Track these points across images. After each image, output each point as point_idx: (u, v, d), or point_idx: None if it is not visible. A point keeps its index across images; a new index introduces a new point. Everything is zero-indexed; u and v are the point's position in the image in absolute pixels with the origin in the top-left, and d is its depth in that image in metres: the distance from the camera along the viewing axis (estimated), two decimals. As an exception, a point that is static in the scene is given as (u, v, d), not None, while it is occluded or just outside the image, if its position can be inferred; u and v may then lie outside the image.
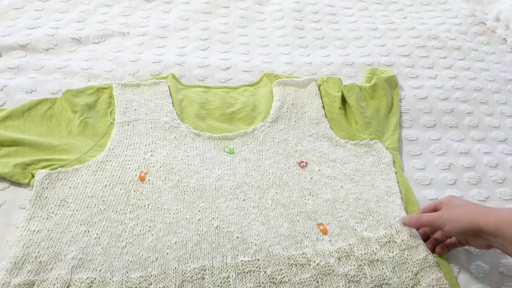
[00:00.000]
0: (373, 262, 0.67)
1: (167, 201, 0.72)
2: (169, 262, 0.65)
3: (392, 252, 0.69)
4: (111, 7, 1.18)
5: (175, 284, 0.63)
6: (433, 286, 0.65)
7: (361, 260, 0.67)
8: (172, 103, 0.88)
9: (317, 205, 0.75)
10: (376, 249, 0.68)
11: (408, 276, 0.66)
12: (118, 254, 0.66)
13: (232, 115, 0.89)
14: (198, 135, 0.83)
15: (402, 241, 0.70)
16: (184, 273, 0.64)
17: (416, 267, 0.67)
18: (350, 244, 0.69)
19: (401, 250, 0.69)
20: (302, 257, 0.67)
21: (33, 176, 0.73)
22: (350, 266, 0.67)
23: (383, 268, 0.66)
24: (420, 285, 0.66)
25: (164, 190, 0.74)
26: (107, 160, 0.76)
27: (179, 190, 0.74)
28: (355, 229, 0.72)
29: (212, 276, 0.64)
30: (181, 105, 0.89)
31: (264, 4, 1.28)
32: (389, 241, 0.70)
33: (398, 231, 0.71)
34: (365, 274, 0.66)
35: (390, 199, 0.76)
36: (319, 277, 0.65)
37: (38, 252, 0.64)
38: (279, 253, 0.67)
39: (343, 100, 0.92)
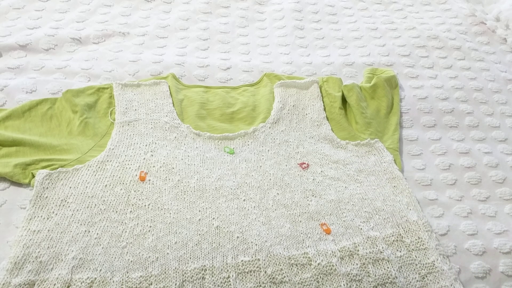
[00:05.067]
0: (377, 261, 0.67)
1: (167, 201, 0.72)
2: (169, 262, 0.65)
3: (400, 252, 0.69)
4: (111, 7, 1.18)
5: (176, 284, 0.63)
6: None
7: (365, 259, 0.67)
8: (172, 103, 0.88)
9: (320, 206, 0.75)
10: (383, 248, 0.69)
11: (415, 278, 0.66)
12: (119, 254, 0.66)
13: (233, 115, 0.89)
14: (199, 135, 0.83)
15: (411, 241, 0.70)
16: (185, 273, 0.64)
17: (424, 270, 0.67)
18: (355, 243, 0.69)
19: (409, 251, 0.69)
20: (303, 257, 0.67)
21: (33, 176, 0.73)
22: (353, 265, 0.67)
23: (388, 267, 0.67)
24: None
25: (165, 190, 0.74)
26: (108, 160, 0.76)
27: (180, 190, 0.74)
28: (361, 229, 0.72)
29: (213, 276, 0.64)
30: (181, 105, 0.89)
31: (264, 4, 1.28)
32: (397, 240, 0.70)
33: (407, 231, 0.72)
34: (368, 273, 0.66)
35: (396, 198, 0.76)
36: (320, 277, 0.65)
37: (39, 252, 0.64)
38: (280, 253, 0.67)
39: (344, 100, 0.92)
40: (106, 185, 0.73)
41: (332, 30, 1.20)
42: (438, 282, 0.67)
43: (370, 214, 0.74)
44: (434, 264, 0.68)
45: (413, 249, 0.69)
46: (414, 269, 0.67)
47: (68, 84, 0.91)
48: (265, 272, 0.65)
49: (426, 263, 0.68)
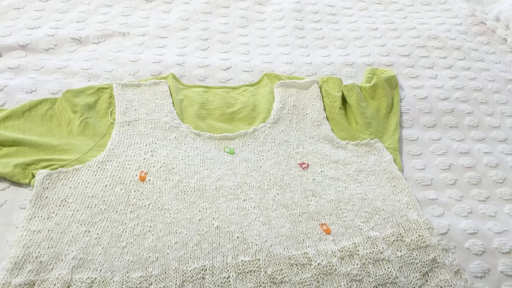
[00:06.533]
0: (378, 261, 0.67)
1: (167, 201, 0.72)
2: (169, 262, 0.65)
3: (400, 251, 0.69)
4: (111, 7, 1.18)
5: (176, 284, 0.63)
6: (441, 287, 0.66)
7: (366, 259, 0.67)
8: (173, 103, 0.88)
9: (320, 206, 0.75)
10: (383, 248, 0.69)
11: (416, 276, 0.66)
12: (119, 254, 0.66)
13: (233, 115, 0.89)
14: (199, 135, 0.83)
15: (412, 240, 0.70)
16: (185, 273, 0.64)
17: (425, 268, 0.67)
18: (355, 243, 0.69)
19: (410, 250, 0.69)
20: (303, 257, 0.67)
21: (33, 176, 0.73)
22: (353, 265, 0.67)
23: (389, 267, 0.67)
24: (428, 286, 0.66)
25: (165, 190, 0.74)
26: (108, 160, 0.76)
27: (180, 190, 0.74)
28: (361, 229, 0.72)
29: (213, 276, 0.64)
30: (182, 105, 0.90)
31: (264, 4, 1.28)
32: (397, 239, 0.70)
33: (407, 230, 0.72)
34: (368, 273, 0.66)
35: (396, 198, 0.76)
36: (320, 277, 0.65)
37: (39, 252, 0.64)
38: (280, 253, 0.67)
39: (344, 100, 0.92)
40: (106, 185, 0.73)
41: (332, 30, 1.20)
42: (437, 277, 0.67)
43: (370, 214, 0.74)
44: (435, 260, 0.68)
45: (413, 248, 0.69)
46: (415, 268, 0.67)
47: (68, 84, 0.91)
48: (265, 272, 0.65)
49: (427, 261, 0.68)
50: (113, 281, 0.62)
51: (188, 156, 0.79)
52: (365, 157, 0.83)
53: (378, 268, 0.67)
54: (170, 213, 0.71)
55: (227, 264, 0.66)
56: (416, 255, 0.69)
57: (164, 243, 0.67)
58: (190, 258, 0.66)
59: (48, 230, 0.66)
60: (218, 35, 1.14)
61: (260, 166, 0.79)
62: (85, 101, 0.84)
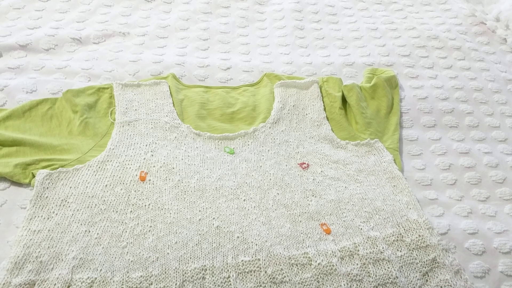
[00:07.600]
0: (378, 261, 0.67)
1: (167, 201, 0.72)
2: (169, 262, 0.65)
3: (400, 251, 0.69)
4: (111, 7, 1.18)
5: (176, 284, 0.63)
6: (441, 287, 0.66)
7: (366, 259, 0.67)
8: (173, 103, 0.88)
9: (320, 206, 0.75)
10: (383, 248, 0.69)
11: (416, 276, 0.66)
12: (119, 254, 0.66)
13: (233, 115, 0.89)
14: (199, 135, 0.83)
15: (412, 240, 0.70)
16: (185, 273, 0.64)
17: (425, 268, 0.67)
18: (355, 243, 0.69)
19: (410, 250, 0.69)
20: (303, 257, 0.67)
21: (33, 176, 0.73)
22: (353, 265, 0.67)
23: (389, 267, 0.67)
24: (428, 285, 0.66)
25: (165, 190, 0.74)
26: (108, 160, 0.76)
27: (180, 190, 0.74)
28: (361, 229, 0.72)
29: (213, 276, 0.64)
30: (182, 105, 0.90)
31: (264, 4, 1.28)
32: (397, 239, 0.70)
33: (407, 230, 0.72)
34: (368, 273, 0.66)
35: (396, 198, 0.77)
36: (320, 277, 0.65)
37: (39, 252, 0.64)
38: (280, 253, 0.67)
39: (344, 100, 0.92)
40: (106, 185, 0.73)
41: (332, 30, 1.20)
42: (437, 277, 0.67)
43: (370, 214, 0.74)
44: (435, 260, 0.68)
45: (413, 248, 0.69)
46: (415, 268, 0.67)
47: (68, 84, 0.91)
48: (265, 272, 0.65)
49: (427, 261, 0.68)
50: (113, 281, 0.62)
51: (188, 156, 0.79)
52: (365, 157, 0.83)
53: (378, 268, 0.67)
54: (170, 213, 0.71)
55: (227, 264, 0.66)
56: (416, 255, 0.69)
57: (164, 243, 0.67)
58: (190, 258, 0.66)
59: (48, 230, 0.66)
60: (218, 35, 1.14)
61: (260, 166, 0.79)
62: (85, 101, 0.84)
